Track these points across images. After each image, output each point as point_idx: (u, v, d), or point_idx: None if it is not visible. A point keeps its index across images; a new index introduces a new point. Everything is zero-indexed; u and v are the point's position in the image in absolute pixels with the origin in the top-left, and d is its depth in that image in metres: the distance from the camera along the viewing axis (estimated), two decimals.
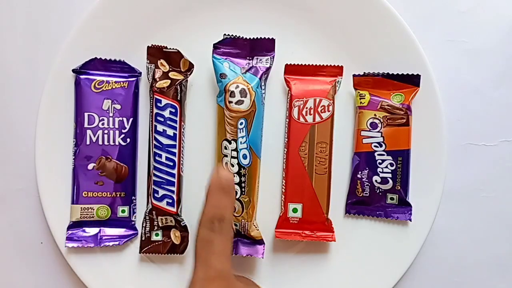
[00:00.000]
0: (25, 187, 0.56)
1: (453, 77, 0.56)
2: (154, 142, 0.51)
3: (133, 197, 0.54)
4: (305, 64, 0.53)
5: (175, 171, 0.52)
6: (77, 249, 0.53)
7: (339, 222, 0.54)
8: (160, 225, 0.52)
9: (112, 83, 0.53)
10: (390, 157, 0.53)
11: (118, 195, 0.53)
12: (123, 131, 0.53)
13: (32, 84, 0.56)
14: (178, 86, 0.52)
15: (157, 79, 0.52)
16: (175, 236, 0.53)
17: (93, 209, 0.52)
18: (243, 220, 0.51)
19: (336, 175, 0.54)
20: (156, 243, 0.53)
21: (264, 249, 0.52)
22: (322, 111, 0.53)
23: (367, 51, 0.54)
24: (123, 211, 0.53)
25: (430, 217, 0.54)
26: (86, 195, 0.52)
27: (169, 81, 0.52)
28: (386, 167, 0.53)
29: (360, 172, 0.54)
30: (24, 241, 0.56)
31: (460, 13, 0.56)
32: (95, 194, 0.53)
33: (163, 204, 0.51)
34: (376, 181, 0.53)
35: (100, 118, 0.52)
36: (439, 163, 0.54)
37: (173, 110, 0.51)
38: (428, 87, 0.53)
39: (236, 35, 0.52)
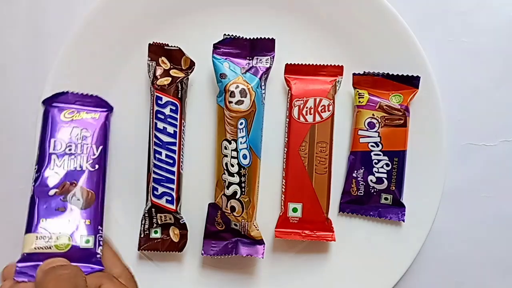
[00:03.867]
0: (25, 187, 0.55)
1: (453, 77, 0.56)
2: (154, 139, 0.51)
3: (99, 227, 0.49)
4: (305, 64, 0.54)
5: (174, 169, 0.52)
6: None
7: (336, 221, 0.54)
8: (159, 222, 0.52)
9: (82, 113, 0.51)
10: (386, 157, 0.53)
11: (82, 222, 0.48)
12: (91, 157, 0.50)
13: (32, 84, 0.56)
14: (179, 84, 0.52)
15: (158, 77, 0.52)
16: (174, 234, 0.52)
17: (51, 239, 0.47)
18: (243, 220, 0.51)
19: (332, 173, 0.53)
20: (155, 241, 0.53)
21: (264, 249, 0.52)
22: (322, 110, 0.53)
23: (367, 51, 0.54)
24: (87, 241, 0.47)
25: (430, 217, 0.54)
26: (43, 222, 0.47)
27: (170, 78, 0.52)
28: (382, 167, 0.53)
29: (355, 171, 0.54)
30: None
31: (460, 13, 0.56)
32: (54, 221, 0.47)
33: (162, 202, 0.51)
34: (371, 180, 0.53)
35: (67, 144, 0.49)
36: (439, 163, 0.53)
37: (174, 108, 0.51)
38: (428, 87, 0.53)
39: (236, 35, 0.53)
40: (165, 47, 0.52)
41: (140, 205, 0.53)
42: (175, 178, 0.52)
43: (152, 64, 0.53)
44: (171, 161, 0.51)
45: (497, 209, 0.56)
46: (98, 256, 0.47)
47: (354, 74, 0.54)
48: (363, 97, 0.53)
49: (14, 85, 0.56)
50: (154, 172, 0.51)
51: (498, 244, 0.56)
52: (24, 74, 0.56)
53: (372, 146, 0.53)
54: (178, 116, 0.52)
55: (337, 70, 0.54)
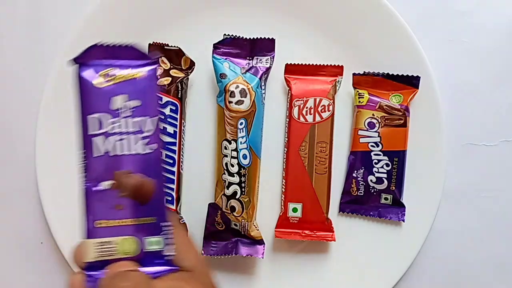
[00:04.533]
0: (25, 187, 0.55)
1: (453, 77, 0.56)
2: None
3: (164, 223, 0.38)
4: (305, 64, 0.54)
5: (174, 169, 0.52)
6: None
7: (336, 221, 0.54)
8: None
9: (124, 71, 0.38)
10: (386, 157, 0.53)
11: (145, 222, 0.38)
12: (146, 134, 0.38)
13: (32, 84, 0.56)
14: (179, 84, 0.52)
15: (158, 77, 0.52)
16: None
17: (113, 244, 0.37)
18: (243, 220, 0.51)
19: (332, 173, 0.54)
20: None
21: (264, 249, 0.52)
22: (322, 110, 0.53)
23: (367, 51, 0.54)
24: (153, 242, 0.38)
25: (430, 217, 0.54)
26: (99, 225, 0.37)
27: (170, 78, 0.52)
28: (382, 167, 0.53)
29: (355, 171, 0.54)
30: (24, 241, 0.56)
31: (460, 13, 0.56)
32: (112, 223, 0.37)
33: None
34: (371, 180, 0.53)
35: (111, 121, 0.37)
36: (439, 163, 0.54)
37: (174, 108, 0.51)
38: (428, 87, 0.53)
39: (236, 35, 0.53)
40: (165, 47, 0.52)
41: None
42: (175, 178, 0.52)
43: None
44: (171, 161, 0.51)
45: (497, 209, 0.56)
46: (169, 258, 0.38)
47: (354, 74, 0.54)
48: (363, 97, 0.53)
49: (14, 85, 0.56)
50: None
51: (498, 244, 0.56)
52: (24, 74, 0.56)
53: (372, 146, 0.53)
54: (178, 116, 0.52)
55: (337, 70, 0.54)
